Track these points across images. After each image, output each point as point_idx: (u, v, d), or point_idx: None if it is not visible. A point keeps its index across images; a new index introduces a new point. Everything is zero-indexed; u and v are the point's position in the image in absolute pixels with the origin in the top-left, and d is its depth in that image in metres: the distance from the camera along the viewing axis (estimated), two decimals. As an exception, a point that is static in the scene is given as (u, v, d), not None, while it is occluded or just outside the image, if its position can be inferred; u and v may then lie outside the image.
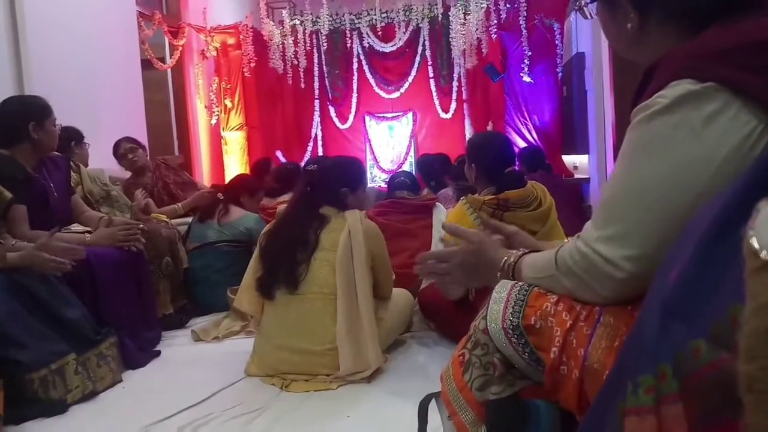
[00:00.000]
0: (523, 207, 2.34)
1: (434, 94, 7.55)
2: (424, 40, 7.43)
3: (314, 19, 7.24)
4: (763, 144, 0.72)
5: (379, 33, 7.42)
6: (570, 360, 0.81)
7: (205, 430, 1.81)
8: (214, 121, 6.85)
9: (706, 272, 0.55)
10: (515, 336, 0.87)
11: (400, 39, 7.44)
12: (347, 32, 7.44)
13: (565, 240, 1.41)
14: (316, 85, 7.70)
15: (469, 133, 7.24)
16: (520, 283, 0.93)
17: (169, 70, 6.21)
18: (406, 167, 7.34)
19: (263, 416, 1.89)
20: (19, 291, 2.04)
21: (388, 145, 7.77)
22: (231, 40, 6.96)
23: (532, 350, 0.86)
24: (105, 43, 4.58)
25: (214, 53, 6.79)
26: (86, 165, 3.31)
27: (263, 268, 2.28)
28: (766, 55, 0.73)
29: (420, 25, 7.38)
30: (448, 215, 2.61)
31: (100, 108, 4.39)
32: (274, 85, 7.52)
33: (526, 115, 6.86)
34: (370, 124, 7.81)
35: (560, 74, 6.66)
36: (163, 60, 6.00)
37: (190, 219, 3.62)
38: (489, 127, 7.00)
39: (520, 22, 6.58)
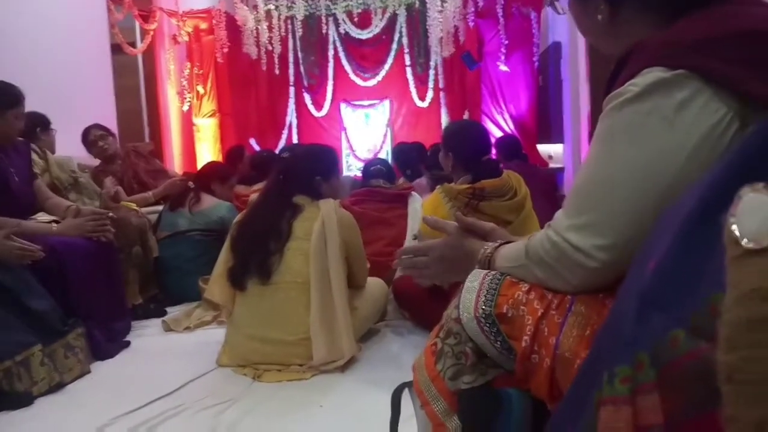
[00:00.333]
0: (499, 196, 2.34)
1: (411, 82, 7.54)
2: (401, 28, 7.41)
3: (289, 5, 7.16)
4: (732, 132, 0.72)
5: (356, 19, 7.37)
6: (541, 348, 0.81)
7: (175, 422, 1.79)
8: (186, 108, 6.77)
9: (685, 261, 0.55)
10: (487, 325, 0.86)
11: (376, 26, 7.40)
12: (323, 18, 7.38)
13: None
14: (291, 71, 7.63)
15: (445, 121, 7.26)
16: (493, 272, 0.92)
17: (139, 55, 6.11)
18: (382, 155, 7.32)
19: (234, 407, 1.87)
20: (-20, 280, 1.99)
21: (365, 133, 7.74)
22: (204, 25, 6.87)
23: (504, 339, 0.86)
24: (73, 27, 4.48)
25: (186, 38, 6.70)
26: (53, 152, 3.23)
27: (234, 258, 2.25)
28: (739, 45, 0.73)
29: (397, 12, 7.36)
30: (423, 204, 2.60)
31: (68, 94, 4.29)
32: (247, 72, 7.44)
33: (502, 104, 6.89)
34: (346, 111, 7.77)
35: (537, 63, 6.69)
36: (133, 45, 5.89)
37: (160, 207, 3.57)
38: (465, 116, 7.02)
39: (498, 11, 6.59)
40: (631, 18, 0.89)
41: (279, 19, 7.12)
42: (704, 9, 0.80)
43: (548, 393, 0.81)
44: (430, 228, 1.25)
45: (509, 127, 6.83)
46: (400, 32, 7.43)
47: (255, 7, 7.02)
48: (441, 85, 7.43)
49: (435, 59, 7.33)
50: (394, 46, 7.50)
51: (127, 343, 2.56)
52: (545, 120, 6.53)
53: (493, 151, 4.52)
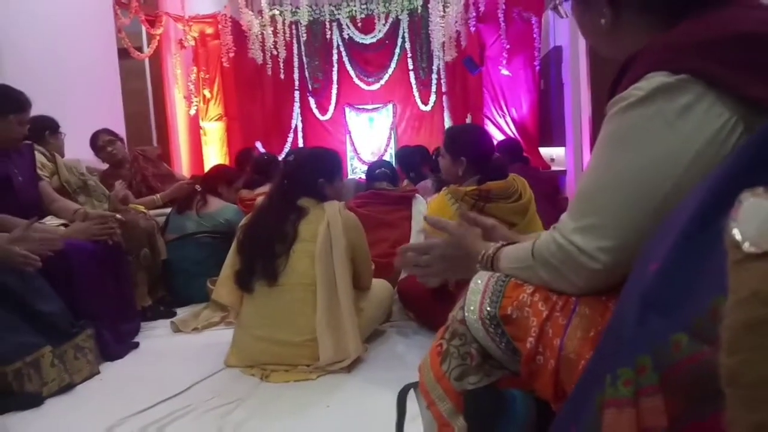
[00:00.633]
0: (504, 198, 2.35)
1: (414, 86, 7.56)
2: (404, 33, 7.43)
3: (293, 10, 7.19)
4: (736, 137, 0.72)
5: (359, 24, 7.39)
6: (546, 350, 0.82)
7: (183, 422, 1.80)
8: (192, 112, 6.78)
9: (686, 264, 0.55)
10: (492, 326, 0.87)
11: (379, 31, 7.43)
12: (327, 23, 7.40)
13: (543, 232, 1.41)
14: (296, 76, 7.66)
15: (448, 125, 7.26)
16: (498, 274, 0.93)
17: (146, 60, 6.12)
18: (385, 159, 7.33)
19: (242, 407, 1.88)
20: (-11, 283, 2.01)
21: (369, 136, 7.76)
22: (209, 30, 6.89)
23: (508, 340, 0.86)
24: (81, 32, 4.50)
25: (193, 43, 6.72)
26: (62, 155, 3.24)
27: (241, 262, 2.27)
28: (739, 48, 0.73)
29: (399, 17, 7.38)
30: (429, 205, 2.61)
31: (76, 98, 4.31)
32: (253, 76, 7.46)
33: (504, 107, 6.89)
34: (351, 115, 7.79)
35: (538, 67, 6.69)
36: (140, 49, 5.92)
37: (168, 210, 3.59)
38: (468, 120, 7.04)
39: (499, 15, 6.60)
40: (632, 21, 0.89)
41: (284, 24, 7.15)
42: (705, 12, 0.80)
43: (553, 394, 0.81)
44: (432, 227, 1.25)
45: (511, 130, 6.83)
46: (403, 37, 7.45)
47: (260, 12, 7.05)
48: (443, 89, 7.45)
49: (437, 64, 7.36)
50: (397, 50, 7.52)
51: (136, 345, 2.58)
52: (547, 123, 6.52)
53: (496, 154, 4.54)
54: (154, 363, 2.39)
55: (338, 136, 7.79)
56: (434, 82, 7.48)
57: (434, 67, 7.42)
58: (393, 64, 7.56)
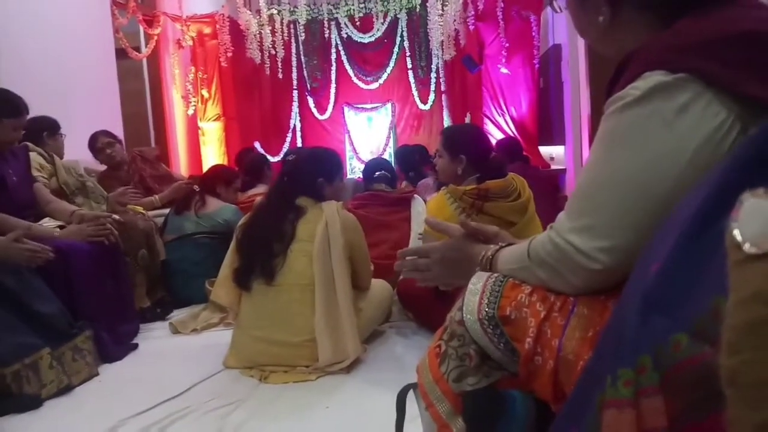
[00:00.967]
0: (504, 197, 2.34)
1: (413, 85, 7.57)
2: (402, 31, 7.43)
3: (292, 9, 7.18)
4: (733, 136, 0.72)
5: (357, 23, 7.39)
6: (544, 350, 0.81)
7: (182, 423, 1.80)
8: (191, 112, 6.78)
9: (687, 264, 0.55)
10: (490, 327, 0.87)
11: (378, 30, 7.42)
12: (325, 22, 7.40)
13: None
14: (294, 75, 7.65)
15: (447, 124, 7.26)
16: (496, 275, 0.93)
17: (144, 60, 6.12)
18: (384, 157, 7.32)
19: (241, 408, 1.88)
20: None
21: (368, 136, 7.76)
22: (207, 30, 6.88)
23: (507, 341, 0.86)
24: (78, 32, 4.49)
25: (191, 43, 6.71)
26: (61, 156, 3.24)
27: (240, 260, 2.27)
28: (738, 47, 0.73)
29: (398, 16, 7.37)
30: (428, 205, 2.61)
31: (73, 98, 4.31)
32: (251, 76, 7.46)
33: (503, 106, 6.89)
34: (349, 114, 7.79)
35: (537, 66, 6.69)
36: (138, 49, 5.90)
37: (167, 211, 3.58)
38: (467, 119, 7.03)
39: (498, 14, 6.60)
40: (630, 19, 0.89)
41: (282, 23, 7.14)
42: (703, 11, 0.79)
43: (552, 394, 0.81)
44: (432, 229, 1.24)
45: (510, 129, 6.83)
46: (402, 36, 7.45)
47: (258, 11, 7.03)
48: (443, 87, 7.45)
49: (436, 62, 7.36)
50: (396, 49, 7.52)
51: (135, 346, 2.58)
52: (546, 122, 6.52)
53: (494, 153, 4.53)
54: (153, 364, 2.39)
55: (337, 135, 7.78)
56: (433, 80, 7.48)
57: (433, 66, 7.42)
58: (392, 63, 7.56)
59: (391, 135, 7.68)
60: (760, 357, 0.41)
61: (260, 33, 7.01)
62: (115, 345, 2.47)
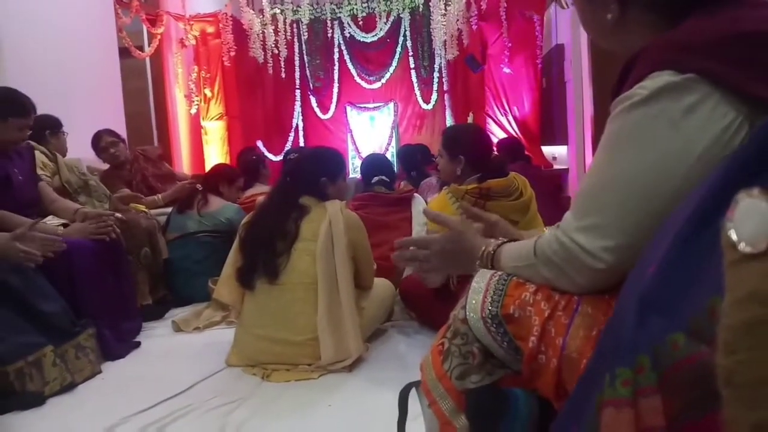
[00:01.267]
0: (505, 196, 2.35)
1: (415, 84, 7.57)
2: (405, 31, 7.44)
3: (294, 9, 7.18)
4: (741, 137, 0.72)
5: (360, 23, 7.40)
6: (548, 349, 0.81)
7: (184, 421, 1.80)
8: (193, 111, 6.78)
9: (684, 265, 0.55)
10: (494, 325, 0.87)
11: (381, 29, 7.43)
12: (328, 22, 7.40)
13: (545, 230, 1.41)
14: (297, 74, 7.67)
15: (450, 123, 7.27)
16: (500, 273, 0.93)
17: (147, 59, 6.12)
18: (384, 155, 7.32)
19: (243, 406, 1.88)
20: (-10, 283, 2.01)
21: (370, 135, 7.76)
22: (210, 29, 6.88)
23: (510, 339, 0.86)
24: (82, 31, 4.50)
25: (194, 42, 6.72)
26: (64, 154, 3.24)
27: (243, 258, 2.27)
28: (746, 47, 0.73)
29: (401, 16, 7.38)
30: (430, 204, 2.61)
31: (76, 97, 4.32)
32: (254, 75, 7.46)
33: (506, 106, 6.88)
34: (352, 114, 7.79)
35: (540, 65, 6.68)
36: (141, 48, 5.91)
37: (169, 210, 3.59)
38: (469, 118, 7.03)
39: (501, 13, 6.59)
40: (638, 17, 0.88)
41: (285, 23, 7.14)
42: (711, 10, 0.79)
43: (555, 393, 0.81)
44: (432, 221, 1.24)
45: (513, 129, 6.82)
46: (405, 35, 7.46)
47: (261, 11, 7.05)
48: (445, 87, 7.46)
49: (439, 62, 7.36)
50: (399, 49, 7.53)
51: (138, 344, 2.58)
52: (549, 121, 6.51)
53: (495, 153, 4.53)
54: (156, 362, 2.39)
55: (339, 135, 7.79)
56: (436, 80, 7.48)
57: (436, 66, 7.43)
58: (394, 63, 7.57)
59: (394, 134, 7.68)
60: (756, 357, 0.41)
61: (263, 32, 7.01)
62: (118, 343, 2.47)
